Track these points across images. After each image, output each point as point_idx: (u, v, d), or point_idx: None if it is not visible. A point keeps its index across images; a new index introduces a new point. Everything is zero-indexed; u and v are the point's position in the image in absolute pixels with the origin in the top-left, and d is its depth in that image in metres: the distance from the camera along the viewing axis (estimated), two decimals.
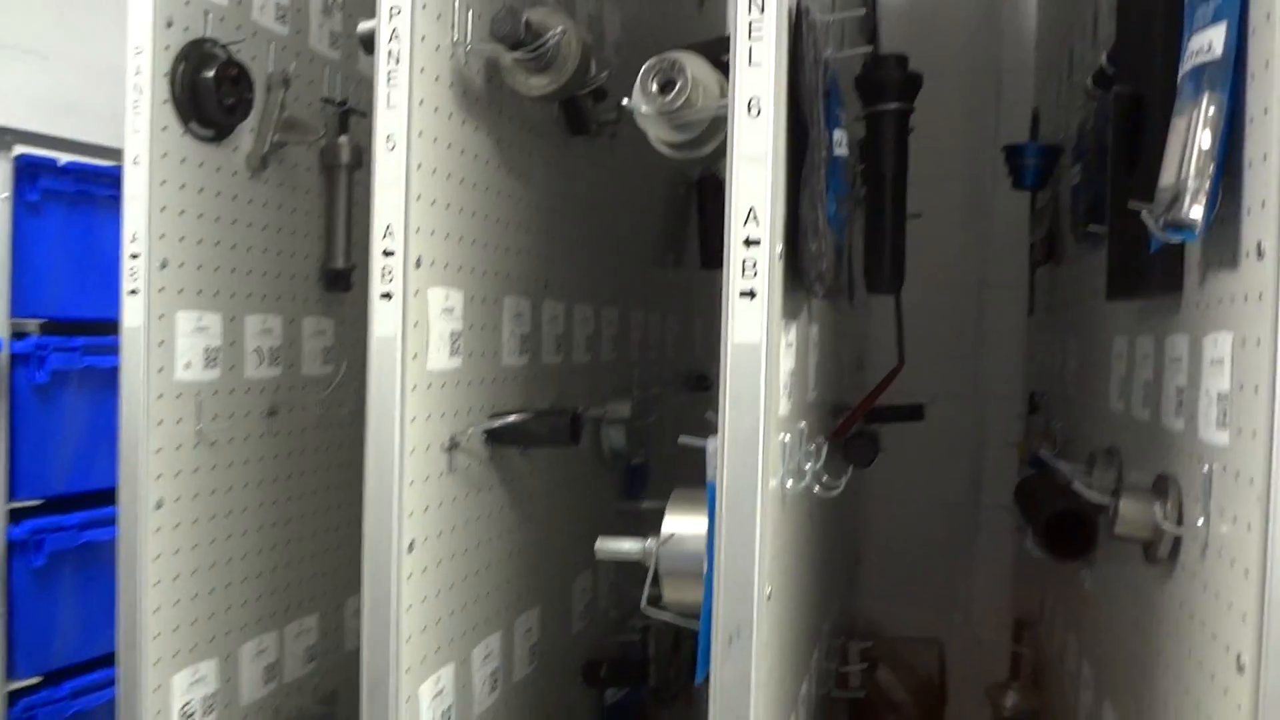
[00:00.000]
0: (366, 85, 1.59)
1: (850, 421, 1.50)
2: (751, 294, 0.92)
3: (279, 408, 1.47)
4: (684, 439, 1.05)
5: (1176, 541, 0.96)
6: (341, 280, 1.55)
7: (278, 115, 1.41)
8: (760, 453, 0.93)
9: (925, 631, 2.29)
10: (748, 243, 0.92)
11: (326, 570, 1.60)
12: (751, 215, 0.92)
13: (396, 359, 1.09)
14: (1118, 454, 1.23)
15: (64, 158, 1.92)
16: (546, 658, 1.50)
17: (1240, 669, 0.79)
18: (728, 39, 1.19)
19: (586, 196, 1.58)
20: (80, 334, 1.90)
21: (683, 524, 1.09)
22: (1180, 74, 0.90)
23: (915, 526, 2.35)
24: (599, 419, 1.61)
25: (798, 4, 0.95)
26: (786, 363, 1.01)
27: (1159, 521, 0.95)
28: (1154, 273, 1.00)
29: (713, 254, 2.10)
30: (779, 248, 0.93)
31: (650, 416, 1.73)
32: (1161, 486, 0.99)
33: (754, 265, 0.92)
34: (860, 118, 1.35)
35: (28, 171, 1.90)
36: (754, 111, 0.91)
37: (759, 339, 0.92)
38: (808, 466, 1.14)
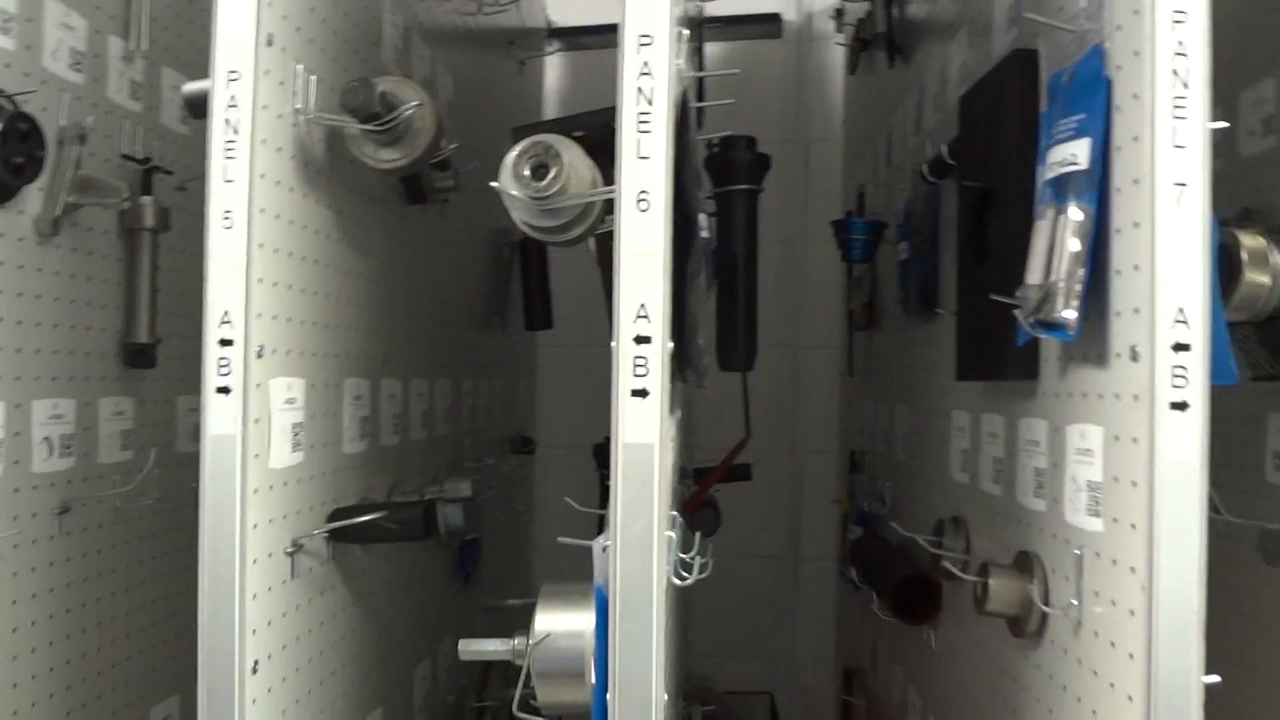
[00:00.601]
0: (173, 140, 1.46)
1: (701, 495, 1.49)
2: (644, 393, 0.88)
3: (72, 504, 1.29)
4: (564, 540, 1.00)
5: (1044, 616, 1.00)
6: (144, 356, 1.39)
7: (72, 174, 1.25)
8: (655, 556, 0.89)
9: (755, 684, 2.32)
10: (639, 340, 0.88)
11: (131, 678, 1.42)
12: (643, 311, 0.88)
13: (236, 460, 0.98)
14: (964, 523, 1.28)
15: None
16: None
17: None
18: (577, 116, 1.17)
19: (419, 265, 1.50)
20: None
21: (557, 622, 1.04)
22: (1040, 180, 0.94)
23: (740, 581, 2.37)
24: (436, 499, 1.52)
25: (683, 94, 0.93)
26: (669, 458, 0.98)
27: (1034, 601, 0.98)
28: (1010, 360, 1.04)
29: (536, 316, 2.06)
30: (670, 344, 0.90)
31: (489, 491, 1.66)
32: (1025, 564, 1.03)
33: (645, 363, 0.88)
34: (710, 197, 1.35)
35: None
36: (643, 205, 0.88)
37: (652, 439, 0.89)
38: (686, 557, 1.11)
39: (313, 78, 1.08)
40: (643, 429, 0.88)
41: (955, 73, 1.35)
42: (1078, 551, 0.92)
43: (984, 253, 1.12)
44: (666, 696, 0.92)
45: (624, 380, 0.88)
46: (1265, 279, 1.09)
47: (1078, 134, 0.90)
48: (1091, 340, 0.90)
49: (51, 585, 1.26)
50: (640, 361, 0.88)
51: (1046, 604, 0.99)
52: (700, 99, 1.86)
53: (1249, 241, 1.10)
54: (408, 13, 1.41)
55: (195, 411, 1.51)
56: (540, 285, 2.04)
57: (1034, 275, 0.92)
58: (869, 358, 1.92)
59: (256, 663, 0.99)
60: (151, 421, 1.45)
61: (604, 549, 0.93)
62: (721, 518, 1.61)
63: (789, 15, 2.38)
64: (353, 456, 1.24)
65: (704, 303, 0.98)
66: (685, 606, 1.84)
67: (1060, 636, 0.97)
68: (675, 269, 0.94)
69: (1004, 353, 1.05)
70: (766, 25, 2.35)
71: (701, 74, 1.03)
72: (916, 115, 1.56)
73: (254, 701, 0.99)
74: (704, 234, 1.13)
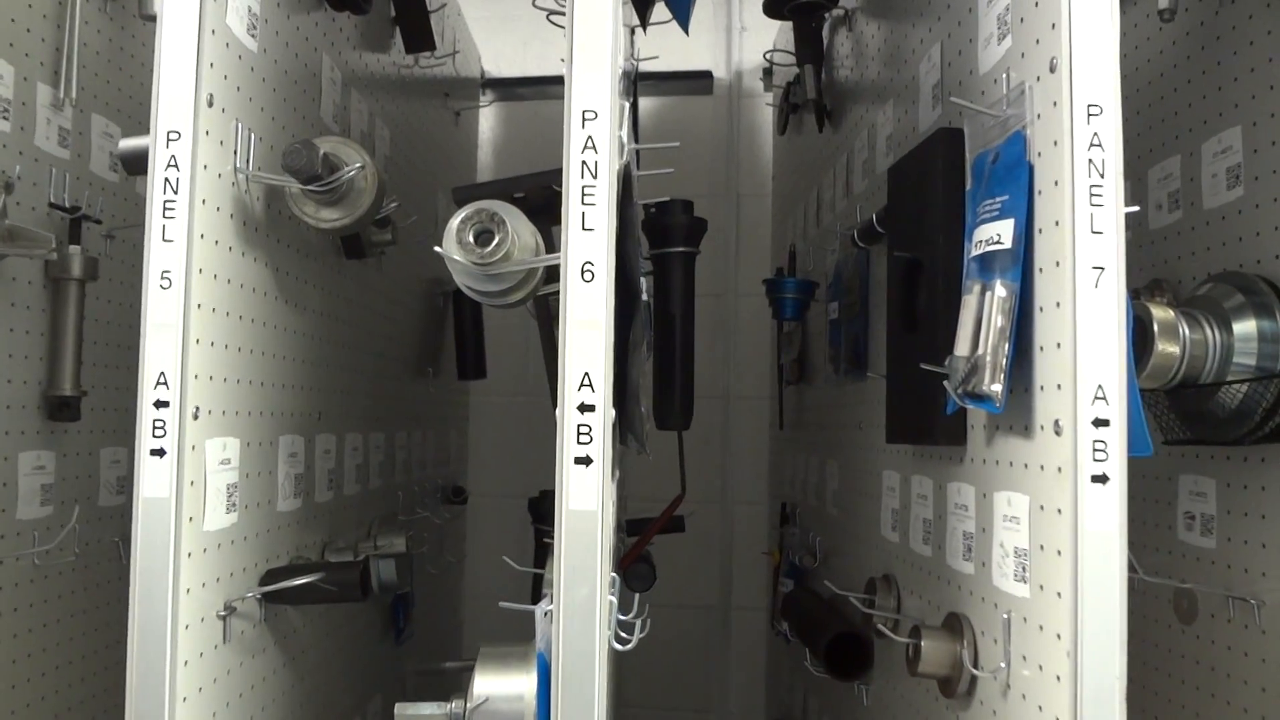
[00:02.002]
0: (100, 188, 1.44)
1: (635, 551, 1.50)
2: (587, 460, 0.89)
3: None
4: (506, 604, 1.00)
5: (973, 678, 1.03)
6: (69, 408, 1.35)
7: None
8: (598, 622, 0.90)
9: None
10: (582, 408, 0.90)
11: None
12: (586, 380, 0.90)
13: (169, 524, 0.96)
14: (894, 581, 1.30)
15: None
16: None
17: None
18: (518, 179, 1.19)
19: (354, 318, 1.49)
20: None
21: (496, 685, 1.04)
22: (967, 255, 0.99)
23: (670, 631, 2.37)
24: (368, 555, 1.50)
25: (625, 166, 0.95)
26: (610, 522, 0.99)
27: (964, 664, 1.01)
28: (938, 426, 1.08)
29: (469, 365, 2.06)
30: (612, 413, 0.91)
31: (422, 546, 1.64)
32: (955, 625, 1.06)
33: (589, 431, 0.89)
34: (647, 258, 1.37)
35: None
36: (588, 276, 0.90)
37: (595, 505, 0.90)
38: (625, 618, 1.11)
39: (253, 136, 1.08)
40: (586, 496, 0.89)
41: (883, 142, 1.40)
42: (1005, 616, 0.95)
43: (913, 321, 1.16)
44: None
45: (568, 448, 0.89)
46: (1174, 349, 1.15)
47: (1002, 214, 0.94)
48: (1017, 412, 0.94)
49: None
50: (584, 429, 0.89)
51: (976, 666, 1.02)
52: (636, 163, 1.90)
53: (1160, 314, 1.16)
54: (345, 68, 1.42)
55: (119, 464, 1.48)
56: (474, 335, 2.04)
57: (962, 348, 0.96)
58: (800, 412, 1.96)
59: None
60: (74, 475, 1.41)
61: (545, 614, 0.94)
62: (656, 573, 1.62)
63: (719, 73, 2.44)
64: (286, 515, 1.23)
65: (645, 369, 1.00)
66: (616, 659, 1.84)
67: (989, 698, 1.00)
68: (618, 337, 0.95)
69: (933, 419, 1.08)
70: (697, 82, 2.41)
71: (642, 146, 1.06)
72: (845, 179, 1.61)
73: None
74: (645, 297, 1.16)
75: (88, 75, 1.40)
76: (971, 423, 1.06)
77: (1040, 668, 0.89)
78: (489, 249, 0.98)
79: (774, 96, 2.15)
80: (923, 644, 1.05)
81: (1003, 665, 0.95)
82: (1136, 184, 1.43)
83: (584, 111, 0.92)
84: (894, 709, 1.31)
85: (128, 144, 1.06)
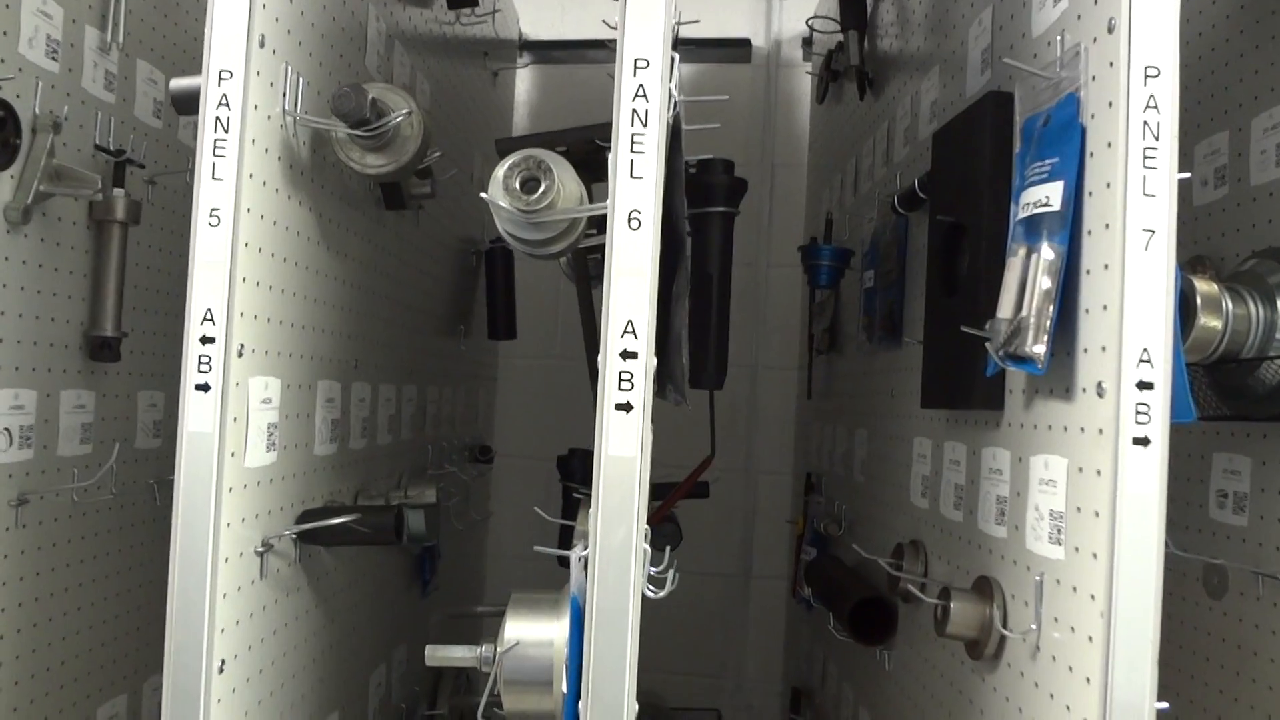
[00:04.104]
0: (144, 134, 1.45)
1: (665, 510, 1.51)
2: (628, 407, 0.90)
3: (29, 495, 1.26)
4: (540, 549, 1.01)
5: (1002, 640, 1.03)
6: (109, 349, 1.37)
7: (45, 163, 1.23)
8: (633, 567, 0.91)
9: (703, 701, 2.34)
10: (625, 355, 0.90)
11: (79, 675, 1.39)
12: (630, 328, 0.90)
13: (213, 458, 0.97)
14: (922, 547, 1.31)
15: None
16: None
17: None
18: (562, 132, 1.19)
19: (392, 271, 1.50)
20: None
21: (527, 631, 1.05)
22: (1013, 218, 0.98)
23: (690, 597, 2.39)
24: (400, 505, 1.52)
25: (674, 117, 0.95)
26: (647, 471, 1.00)
27: (994, 625, 1.01)
28: (977, 390, 1.08)
29: (500, 325, 2.07)
30: (654, 361, 0.92)
31: (452, 499, 1.66)
32: (984, 588, 1.07)
33: (631, 378, 0.90)
34: (686, 218, 1.37)
35: None
36: (634, 224, 0.90)
37: (634, 452, 0.90)
38: (655, 571, 1.12)
39: (301, 80, 1.08)
40: (626, 442, 0.90)
41: (927, 109, 1.39)
42: (1038, 578, 0.95)
43: (953, 285, 1.16)
44: (637, 707, 0.93)
45: (609, 394, 0.90)
46: (1217, 323, 1.14)
47: (1051, 177, 0.94)
48: (1058, 375, 0.94)
49: (4, 578, 1.24)
50: (626, 376, 0.90)
51: (1005, 628, 1.02)
52: (680, 122, 1.90)
53: (1204, 287, 1.15)
54: (390, 20, 1.42)
55: (156, 407, 1.50)
56: (505, 295, 2.05)
57: (1005, 310, 0.96)
58: (829, 381, 1.95)
59: (224, 661, 0.99)
60: (113, 416, 1.43)
61: (579, 559, 0.95)
62: (682, 533, 1.62)
63: (758, 41, 2.42)
64: (323, 459, 1.24)
65: (687, 322, 1.00)
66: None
67: (1017, 660, 1.00)
68: (661, 288, 0.96)
69: (970, 383, 1.08)
70: (736, 50, 2.39)
71: (691, 99, 1.05)
72: (886, 147, 1.60)
73: (219, 701, 0.98)
74: (686, 253, 1.16)
75: (134, 21, 1.41)
76: (1010, 387, 1.06)
77: (1072, 629, 0.89)
78: (535, 196, 0.98)
79: (814, 65, 2.14)
80: (952, 605, 1.06)
81: (1033, 627, 0.96)
82: (1183, 159, 1.41)
83: (636, 59, 0.92)
84: (917, 672, 1.32)
85: (179, 83, 1.07)
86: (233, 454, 0.99)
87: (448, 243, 1.86)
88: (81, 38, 1.32)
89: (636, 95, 0.91)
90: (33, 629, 1.29)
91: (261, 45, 1.00)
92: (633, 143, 0.91)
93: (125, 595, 1.47)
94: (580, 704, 0.91)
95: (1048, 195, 0.93)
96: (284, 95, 1.06)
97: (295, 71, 1.08)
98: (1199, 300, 1.14)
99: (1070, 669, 0.89)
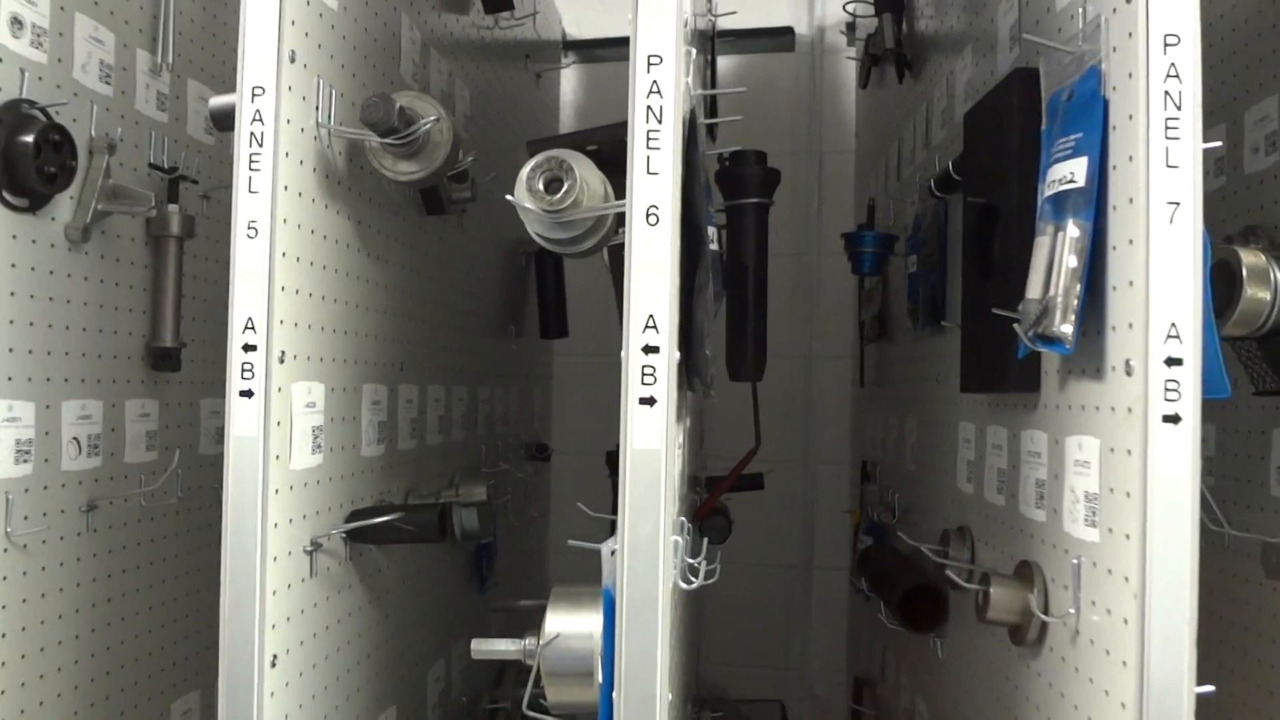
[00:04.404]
0: (197, 151, 1.50)
1: (710, 503, 1.51)
2: (651, 401, 0.91)
3: (98, 501, 1.32)
4: (574, 543, 1.03)
5: (1043, 625, 1.02)
6: (170, 359, 1.43)
7: (102, 183, 1.29)
8: (660, 558, 0.92)
9: (767, 693, 2.33)
10: (647, 349, 0.91)
11: (153, 672, 1.45)
12: (651, 322, 0.91)
13: (258, 461, 1.01)
14: (969, 533, 1.29)
15: None
16: None
17: None
18: (591, 131, 1.20)
19: (436, 274, 1.53)
20: None
21: (567, 623, 1.07)
22: (1040, 196, 0.97)
23: (752, 590, 2.39)
24: (451, 503, 1.55)
25: (691, 112, 0.96)
26: (677, 463, 1.01)
27: (1033, 610, 1.00)
28: (1012, 373, 1.06)
29: (551, 324, 2.09)
30: (677, 354, 0.92)
31: (504, 496, 1.69)
32: (1025, 573, 1.05)
33: (653, 372, 0.91)
34: (721, 210, 1.38)
35: None
36: (652, 220, 0.91)
37: (659, 445, 0.91)
38: (690, 561, 1.14)
39: (334, 92, 1.12)
40: (650, 435, 0.91)
41: (961, 89, 1.38)
42: (1076, 561, 0.94)
43: (988, 267, 1.14)
44: (671, 696, 0.94)
45: (633, 388, 0.91)
46: (1265, 295, 1.11)
47: (1075, 152, 0.92)
48: (1089, 354, 0.92)
49: (78, 580, 1.30)
50: (649, 370, 0.91)
51: (1046, 613, 1.01)
52: (712, 114, 1.90)
53: (1249, 259, 1.12)
54: (425, 28, 1.45)
55: (218, 414, 1.56)
56: (556, 294, 2.07)
57: (1034, 290, 0.95)
58: (880, 369, 1.94)
59: (275, 657, 1.03)
60: (176, 423, 1.49)
61: (612, 552, 0.96)
62: (732, 526, 1.63)
63: (801, 29, 2.40)
64: (370, 460, 1.28)
65: (712, 314, 1.01)
66: (695, 613, 1.86)
67: (1059, 645, 0.99)
68: (684, 281, 0.97)
69: (1006, 366, 1.07)
70: (779, 39, 2.38)
71: (711, 91, 1.06)
72: (925, 130, 1.58)
73: (272, 694, 1.02)
74: (712, 247, 1.16)
75: (184, 42, 1.47)
76: (1045, 369, 1.05)
77: (1109, 612, 0.88)
78: (558, 196, 1.00)
79: (857, 50, 2.12)
80: (991, 590, 1.05)
81: (1072, 611, 0.94)
82: (1232, 126, 1.37)
83: (649, 56, 0.93)
84: (968, 660, 1.31)
85: (217, 101, 1.11)
86: (277, 457, 1.03)
87: (495, 244, 1.89)
88: (133, 61, 1.37)
89: (651, 92, 0.92)
90: (106, 628, 1.35)
91: (292, 60, 1.03)
92: (648, 139, 0.92)
93: (195, 595, 1.53)
94: (614, 694, 0.92)
95: (1072, 171, 0.92)
96: (317, 108, 1.09)
97: (328, 84, 1.11)
98: (1244, 272, 1.11)
99: (1108, 652, 0.88)
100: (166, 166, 1.42)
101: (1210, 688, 0.84)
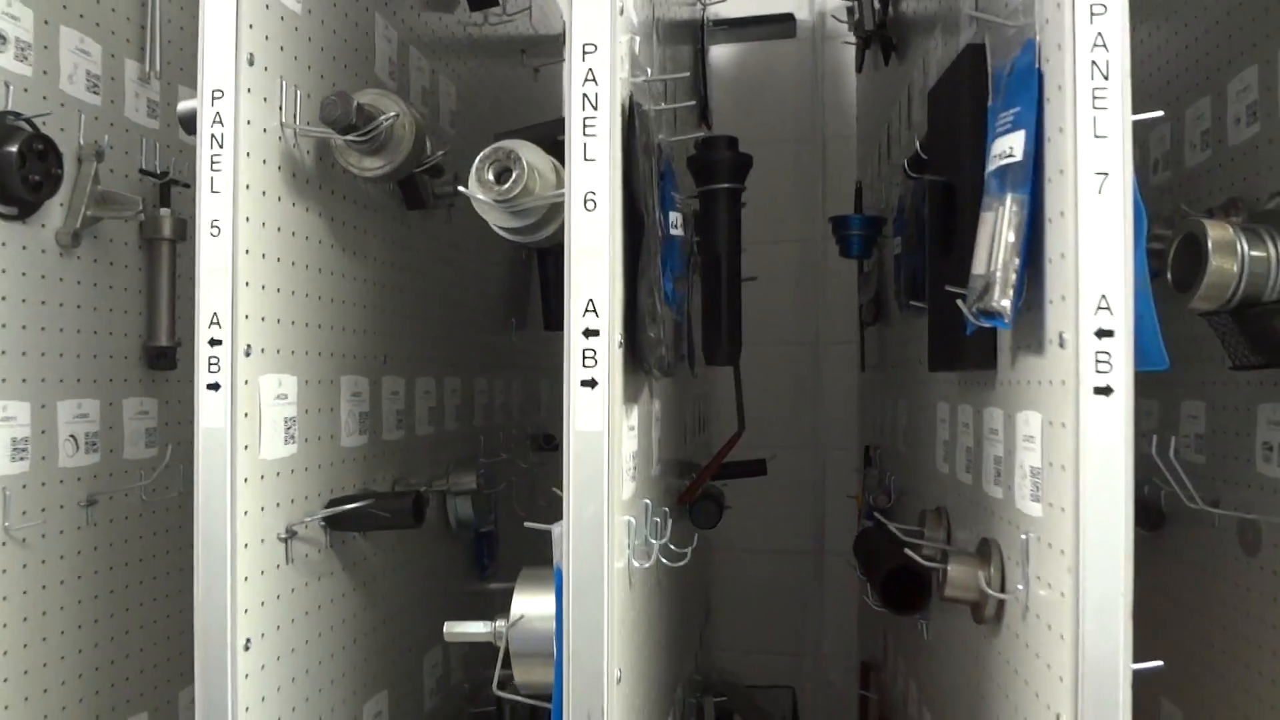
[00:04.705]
0: (189, 155, 1.54)
1: (694, 488, 1.52)
2: (593, 383, 0.93)
3: (98, 496, 1.37)
4: (530, 524, 1.05)
5: (1000, 603, 1.02)
6: (166, 358, 1.47)
7: (90, 189, 1.33)
8: (605, 538, 0.93)
9: (779, 679, 2.34)
10: (587, 333, 0.93)
11: (158, 662, 1.50)
12: (590, 306, 0.93)
13: (226, 451, 1.04)
14: (945, 514, 1.29)
15: None
16: None
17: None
18: (555, 122, 1.22)
19: (424, 268, 1.56)
20: None
21: (531, 605, 1.09)
22: (986, 172, 0.96)
23: (764, 576, 2.40)
24: (444, 492, 1.58)
25: (630, 99, 0.97)
26: (629, 445, 1.02)
27: (982, 586, 1.00)
28: (970, 350, 1.06)
29: (555, 316, 2.11)
30: (618, 337, 0.94)
31: (498, 485, 1.71)
32: (985, 551, 1.05)
33: (594, 355, 0.93)
34: (694, 196, 1.39)
35: None
36: (590, 205, 0.93)
37: (601, 427, 0.93)
38: (654, 542, 1.15)
39: (298, 93, 1.14)
40: (592, 417, 0.93)
41: (935, 69, 1.37)
42: (1024, 537, 0.94)
43: (949, 246, 1.14)
44: (621, 673, 0.96)
45: (574, 371, 0.93)
46: (1232, 267, 1.09)
47: (1014, 126, 0.92)
48: (1032, 328, 0.92)
49: (79, 573, 1.35)
50: (589, 353, 0.93)
51: (1000, 590, 1.01)
52: (706, 102, 1.90)
53: (1216, 232, 1.10)
54: (403, 27, 1.47)
55: None
56: (558, 286, 2.08)
57: (979, 266, 0.95)
58: (878, 353, 1.93)
59: (249, 640, 1.06)
60: (175, 420, 1.53)
61: (559, 533, 0.98)
62: (724, 511, 1.64)
63: (802, 14, 2.40)
64: (352, 450, 1.31)
65: (660, 298, 1.02)
66: (690, 596, 1.87)
67: (1013, 622, 0.99)
68: (627, 266, 0.98)
69: (963, 343, 1.07)
70: (780, 25, 2.38)
71: (655, 78, 1.07)
72: (908, 111, 1.57)
73: (247, 676, 1.06)
74: (675, 232, 1.17)
75: (173, 50, 1.51)
76: (1000, 345, 1.04)
77: (1050, 586, 0.87)
78: (507, 185, 1.02)
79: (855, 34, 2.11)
80: (949, 568, 1.05)
81: (1020, 587, 0.94)
82: (1216, 99, 1.35)
83: (584, 45, 0.94)
84: (948, 641, 1.30)
85: (184, 105, 1.15)
86: (246, 447, 1.06)
87: (492, 238, 1.90)
88: (122, 71, 1.42)
89: (586, 80, 0.94)
90: (110, 619, 1.41)
91: (250, 63, 1.06)
92: (585, 126, 0.93)
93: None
94: (563, 671, 0.94)
95: (1012, 146, 0.92)
96: (280, 109, 1.12)
97: (291, 85, 1.14)
98: (1210, 244, 1.09)
99: (1049, 627, 0.88)
100: (158, 172, 1.47)
101: (1157, 664, 0.83)
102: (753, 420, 2.38)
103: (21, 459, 1.25)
